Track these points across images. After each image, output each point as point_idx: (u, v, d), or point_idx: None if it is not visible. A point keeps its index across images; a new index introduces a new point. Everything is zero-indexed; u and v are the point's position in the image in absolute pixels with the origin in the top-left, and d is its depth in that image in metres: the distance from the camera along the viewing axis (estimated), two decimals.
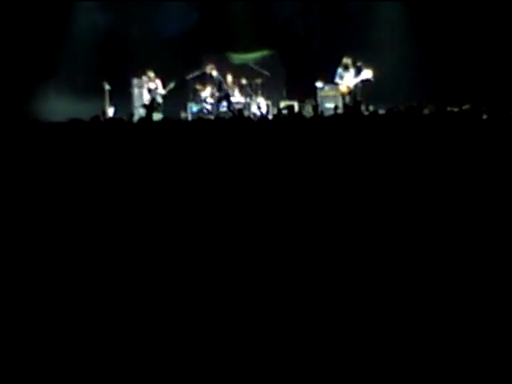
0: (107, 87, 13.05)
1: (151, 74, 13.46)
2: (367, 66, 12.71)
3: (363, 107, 11.31)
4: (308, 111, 12.80)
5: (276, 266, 3.56)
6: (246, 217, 4.08)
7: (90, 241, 3.84)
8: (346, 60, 12.93)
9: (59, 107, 12.09)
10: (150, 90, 13.50)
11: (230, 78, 13.83)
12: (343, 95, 12.90)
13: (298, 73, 13.98)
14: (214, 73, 13.50)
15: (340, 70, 12.99)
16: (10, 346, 2.85)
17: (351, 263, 3.58)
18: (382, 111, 8.62)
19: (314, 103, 13.33)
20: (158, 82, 13.45)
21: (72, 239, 3.84)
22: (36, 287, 3.39)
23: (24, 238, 3.82)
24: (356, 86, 12.76)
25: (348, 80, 12.88)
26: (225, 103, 13.32)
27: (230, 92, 13.51)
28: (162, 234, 3.90)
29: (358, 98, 12.42)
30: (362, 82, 12.71)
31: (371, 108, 10.73)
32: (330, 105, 12.93)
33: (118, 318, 3.10)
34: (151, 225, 4.04)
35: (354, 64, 12.89)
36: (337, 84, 13.03)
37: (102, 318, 3.09)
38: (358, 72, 12.74)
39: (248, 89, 13.81)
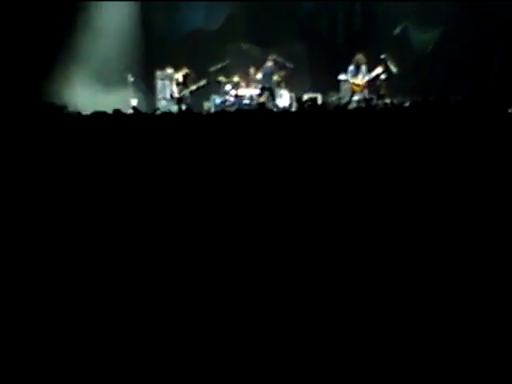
0: (131, 79, 13.13)
1: (188, 71, 13.52)
2: (392, 60, 12.68)
3: (387, 100, 11.28)
4: (332, 102, 12.84)
5: (284, 265, 3.54)
6: (263, 211, 4.06)
7: (100, 238, 3.84)
8: (358, 57, 12.99)
9: (85, 98, 12.18)
10: (178, 84, 13.57)
11: (252, 70, 13.83)
12: (353, 92, 12.94)
13: (323, 65, 13.87)
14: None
15: (352, 67, 13.06)
16: (9, 346, 2.86)
17: (365, 263, 3.56)
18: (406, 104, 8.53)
19: (337, 96, 13.38)
20: (192, 78, 13.53)
21: (80, 238, 3.84)
22: (41, 284, 3.40)
23: (29, 237, 3.82)
24: (375, 80, 12.76)
25: (360, 76, 12.95)
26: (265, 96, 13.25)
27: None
28: (171, 230, 3.89)
29: (382, 92, 12.43)
30: (376, 77, 12.74)
31: (395, 101, 10.67)
32: (354, 97, 12.93)
33: (118, 317, 3.10)
34: (166, 221, 4.03)
35: (363, 61, 12.95)
36: (345, 80, 13.13)
37: (102, 318, 3.09)
38: (374, 67, 12.78)
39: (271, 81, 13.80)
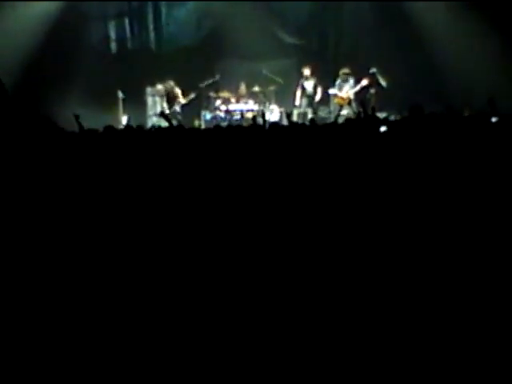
0: (121, 96, 13.14)
1: (172, 83, 13.59)
2: (382, 73, 12.76)
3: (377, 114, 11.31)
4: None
5: (284, 268, 3.55)
6: (256, 222, 4.07)
7: (99, 244, 3.84)
8: (345, 70, 13.09)
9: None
10: (169, 99, 13.61)
11: (243, 85, 13.89)
12: (341, 105, 13.01)
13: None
14: None
15: (339, 81, 13.15)
16: (9, 346, 2.85)
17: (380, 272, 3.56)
18: (393, 117, 8.61)
19: (327, 110, 13.46)
20: (179, 92, 13.58)
21: (82, 243, 3.83)
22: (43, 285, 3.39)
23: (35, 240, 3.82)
24: (363, 93, 12.82)
25: (346, 90, 13.01)
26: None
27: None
28: (168, 236, 3.90)
29: (372, 105, 12.52)
30: (362, 90, 12.83)
31: (383, 115, 10.76)
32: (343, 111, 12.98)
33: (118, 318, 3.10)
34: (163, 230, 4.03)
35: (349, 74, 13.04)
36: (334, 94, 13.20)
37: (102, 318, 3.09)
38: (358, 81, 12.85)
39: (261, 96, 13.84)
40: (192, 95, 13.52)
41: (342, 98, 13.08)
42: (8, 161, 4.34)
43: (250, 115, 12.87)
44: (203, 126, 13.03)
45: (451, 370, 2.74)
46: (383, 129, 5.16)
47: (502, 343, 2.87)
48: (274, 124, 6.48)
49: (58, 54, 13.39)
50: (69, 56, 13.53)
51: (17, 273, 3.46)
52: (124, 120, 12.91)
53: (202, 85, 13.70)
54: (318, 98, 13.43)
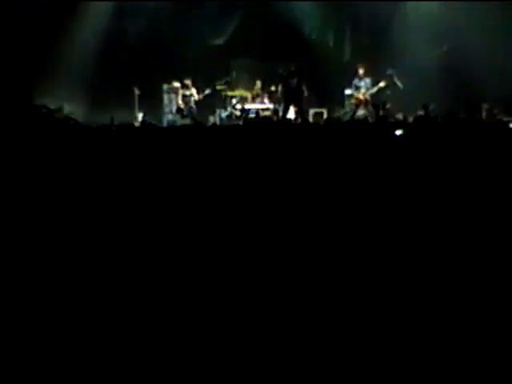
0: (137, 92, 13.18)
1: (188, 82, 13.64)
2: (398, 74, 12.70)
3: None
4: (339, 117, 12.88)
5: (282, 268, 3.55)
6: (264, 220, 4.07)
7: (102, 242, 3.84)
8: (361, 70, 12.94)
9: (91, 111, 12.25)
10: (184, 96, 13.65)
11: (259, 84, 13.90)
12: (357, 105, 12.88)
13: (328, 80, 13.87)
14: None
15: (356, 81, 13.01)
16: (9, 346, 2.86)
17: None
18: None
19: (345, 110, 13.38)
20: (194, 90, 13.64)
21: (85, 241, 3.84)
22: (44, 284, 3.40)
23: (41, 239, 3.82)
24: (379, 94, 12.74)
25: (363, 91, 12.90)
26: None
27: None
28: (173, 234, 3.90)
29: (387, 106, 12.44)
30: (379, 91, 12.73)
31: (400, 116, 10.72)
32: (358, 112, 12.93)
33: (118, 318, 3.10)
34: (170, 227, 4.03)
35: (366, 74, 12.91)
36: (351, 95, 13.07)
37: (102, 319, 3.09)
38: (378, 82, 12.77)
39: (277, 95, 13.84)
40: (207, 91, 13.58)
41: (358, 99, 12.98)
42: (9, 156, 4.35)
43: (265, 113, 12.93)
44: (218, 124, 13.06)
45: (451, 370, 2.73)
46: (399, 132, 5.14)
47: (502, 343, 2.86)
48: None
49: (75, 49, 13.47)
50: (85, 52, 13.58)
51: (16, 271, 3.48)
52: (140, 116, 12.96)
53: (218, 83, 13.73)
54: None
